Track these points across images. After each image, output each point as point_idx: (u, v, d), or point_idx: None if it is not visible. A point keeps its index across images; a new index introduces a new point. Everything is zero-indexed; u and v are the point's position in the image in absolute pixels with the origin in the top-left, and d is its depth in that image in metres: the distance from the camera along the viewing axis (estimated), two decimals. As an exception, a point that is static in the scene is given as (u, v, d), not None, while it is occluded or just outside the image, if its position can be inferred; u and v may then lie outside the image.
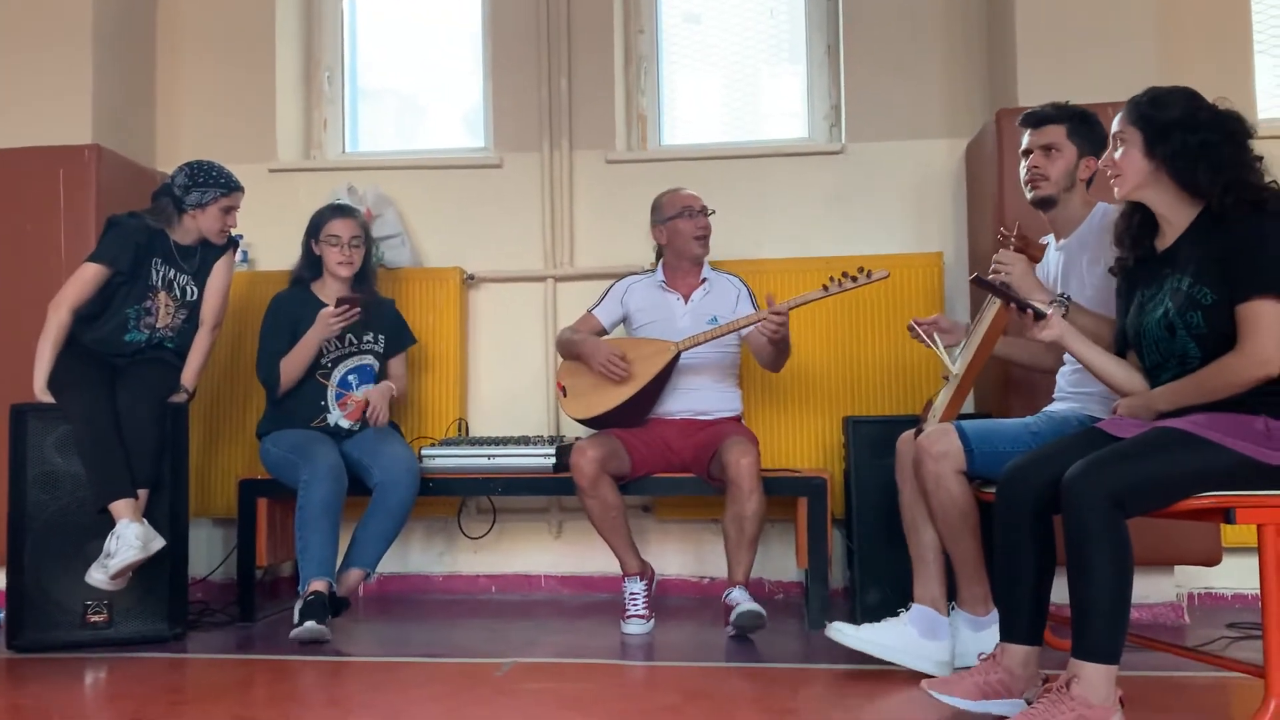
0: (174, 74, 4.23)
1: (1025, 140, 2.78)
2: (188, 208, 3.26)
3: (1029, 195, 2.77)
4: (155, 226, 3.26)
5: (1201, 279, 2.13)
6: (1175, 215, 2.23)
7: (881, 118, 3.93)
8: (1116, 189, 2.27)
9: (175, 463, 3.19)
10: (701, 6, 4.27)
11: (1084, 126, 2.71)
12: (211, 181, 3.26)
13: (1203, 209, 2.18)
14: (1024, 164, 2.77)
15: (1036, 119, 2.76)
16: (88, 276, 3.20)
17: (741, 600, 3.03)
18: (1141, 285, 2.28)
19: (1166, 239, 2.25)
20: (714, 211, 3.46)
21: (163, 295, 3.27)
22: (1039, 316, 2.29)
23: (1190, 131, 2.15)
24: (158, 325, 3.27)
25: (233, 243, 3.43)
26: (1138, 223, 2.30)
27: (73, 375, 3.12)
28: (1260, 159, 2.17)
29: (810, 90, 4.15)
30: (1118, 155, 2.24)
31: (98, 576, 2.94)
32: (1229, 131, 2.16)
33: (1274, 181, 2.16)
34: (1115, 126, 2.27)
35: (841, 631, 2.61)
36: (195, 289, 3.34)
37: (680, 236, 3.42)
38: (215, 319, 3.38)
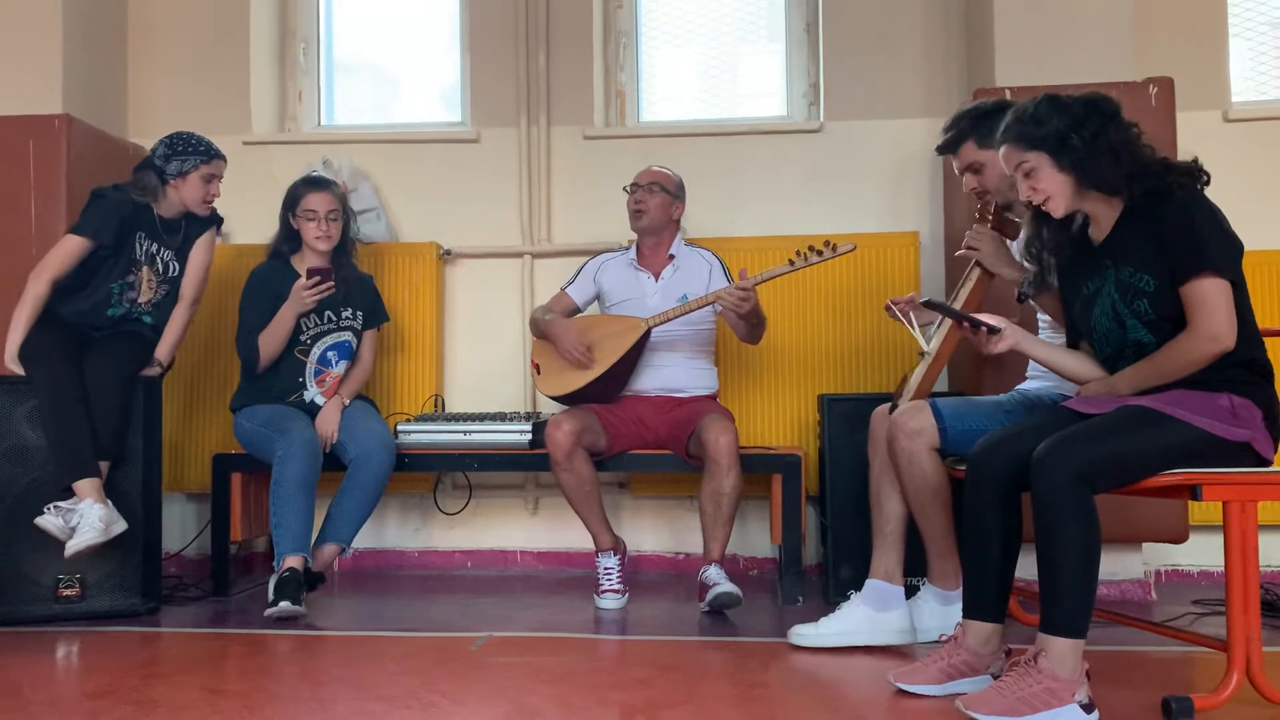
0: (146, 43, 4.17)
1: (955, 165, 2.78)
2: (169, 178, 3.24)
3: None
4: (140, 200, 3.23)
5: (1142, 267, 2.17)
6: (1106, 212, 2.25)
7: (860, 97, 3.93)
8: (1052, 212, 2.25)
9: (148, 436, 3.16)
10: (681, -19, 4.25)
11: (988, 124, 2.63)
12: (191, 150, 3.25)
13: (1127, 202, 2.21)
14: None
15: (946, 147, 2.77)
16: (70, 248, 3.17)
17: (719, 580, 3.05)
18: (1084, 279, 2.30)
19: (1102, 230, 2.27)
20: (641, 186, 3.40)
21: (145, 270, 3.25)
22: (992, 332, 2.29)
23: (1079, 128, 2.17)
24: (139, 300, 3.25)
25: (217, 219, 3.41)
26: (1056, 228, 2.30)
27: (43, 347, 3.08)
28: (1135, 125, 2.21)
29: (789, 68, 4.14)
30: (1036, 184, 2.23)
31: (52, 522, 2.88)
32: (1104, 112, 2.19)
33: (1165, 157, 2.20)
34: (1011, 160, 2.26)
35: (802, 635, 2.64)
36: (178, 265, 3.33)
37: (629, 212, 3.47)
38: (195, 295, 3.37)
